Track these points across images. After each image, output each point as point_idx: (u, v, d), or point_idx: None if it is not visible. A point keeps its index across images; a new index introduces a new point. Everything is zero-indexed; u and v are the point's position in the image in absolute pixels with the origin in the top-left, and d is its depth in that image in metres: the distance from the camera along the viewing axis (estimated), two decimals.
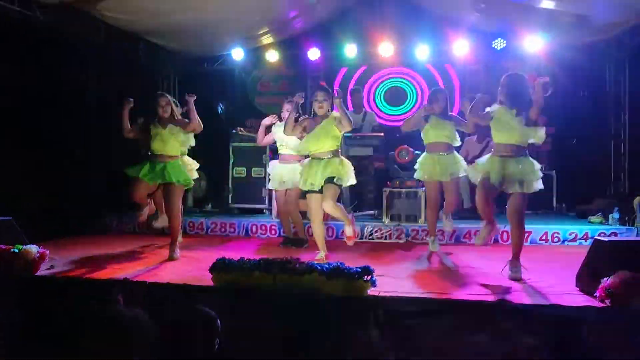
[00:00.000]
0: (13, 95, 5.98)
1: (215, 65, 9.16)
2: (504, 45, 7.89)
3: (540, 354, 3.22)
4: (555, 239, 6.22)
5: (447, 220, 5.66)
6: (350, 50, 8.33)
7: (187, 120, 5.24)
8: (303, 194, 5.95)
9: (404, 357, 3.38)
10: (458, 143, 5.52)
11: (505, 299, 3.65)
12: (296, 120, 5.00)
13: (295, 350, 3.43)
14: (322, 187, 4.83)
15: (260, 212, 7.52)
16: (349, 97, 8.31)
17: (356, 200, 7.28)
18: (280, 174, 5.95)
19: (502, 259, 4.54)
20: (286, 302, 3.60)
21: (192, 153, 6.49)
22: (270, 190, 7.17)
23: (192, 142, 5.41)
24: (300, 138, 5.17)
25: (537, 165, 4.42)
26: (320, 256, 4.90)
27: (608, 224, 6.42)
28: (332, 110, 4.91)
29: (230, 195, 7.62)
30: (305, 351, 3.42)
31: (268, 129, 6.23)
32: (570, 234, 6.22)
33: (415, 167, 5.65)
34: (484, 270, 4.64)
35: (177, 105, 5.80)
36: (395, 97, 9.21)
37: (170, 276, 4.39)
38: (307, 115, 5.09)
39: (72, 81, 6.88)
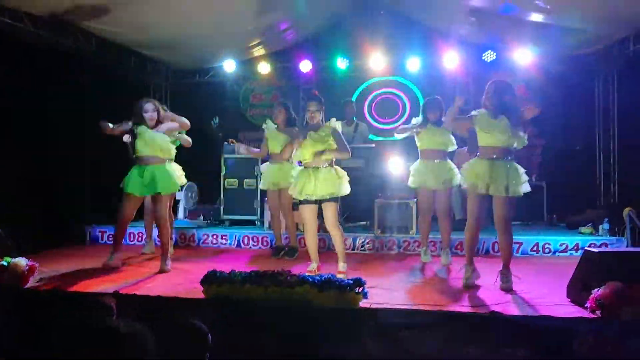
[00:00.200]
0: (2, 106, 5.95)
1: (207, 77, 9.17)
2: (494, 57, 7.96)
3: None
4: (546, 250, 6.25)
5: (445, 255, 5.67)
6: (341, 62, 8.37)
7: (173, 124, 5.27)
8: (295, 205, 5.98)
9: None
10: (454, 147, 5.54)
11: (497, 311, 3.65)
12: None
13: None
14: (317, 199, 4.82)
15: (252, 223, 7.49)
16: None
17: (348, 211, 7.28)
18: (272, 175, 5.94)
19: (494, 271, 4.55)
20: (278, 315, 3.59)
21: (184, 164, 6.49)
22: (262, 202, 7.18)
23: (173, 151, 5.38)
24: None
25: (522, 170, 4.47)
26: (312, 267, 4.89)
27: (598, 235, 6.46)
28: (325, 120, 4.92)
29: (222, 207, 7.60)
30: None
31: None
32: (561, 245, 6.25)
33: (410, 174, 5.68)
34: (477, 282, 4.64)
35: (165, 111, 5.79)
36: (387, 108, 9.24)
37: (161, 289, 4.36)
38: (301, 127, 5.07)
39: (63, 93, 6.85)
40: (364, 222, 7.22)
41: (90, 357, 1.74)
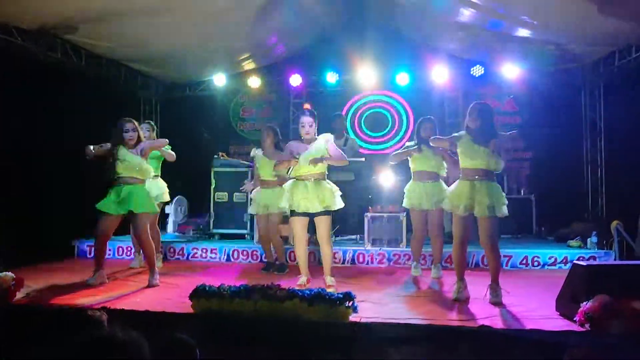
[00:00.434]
0: None
1: (197, 90, 9.18)
2: (482, 72, 8.05)
3: None
4: (536, 263, 6.27)
5: (436, 269, 5.70)
6: (331, 76, 8.42)
7: (150, 142, 5.26)
8: (284, 219, 5.97)
9: None
10: (445, 173, 5.58)
11: (486, 324, 3.65)
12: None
13: None
14: (308, 212, 4.82)
15: (241, 237, 7.46)
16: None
17: (338, 224, 7.27)
18: (263, 199, 5.94)
19: (484, 284, 4.56)
20: (267, 329, 3.56)
21: (173, 177, 6.48)
22: (252, 215, 7.15)
23: (152, 172, 5.37)
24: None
25: (503, 193, 4.52)
26: (302, 281, 4.88)
27: (587, 248, 6.50)
28: (318, 134, 4.94)
29: (212, 221, 7.57)
30: None
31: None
32: (550, 258, 6.28)
33: (404, 195, 5.72)
34: (466, 296, 4.63)
35: (153, 130, 5.78)
36: (377, 122, 9.29)
37: (149, 303, 4.31)
38: (295, 141, 5.06)
39: (51, 106, 6.82)
40: (355, 236, 7.22)
41: None
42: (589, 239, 6.56)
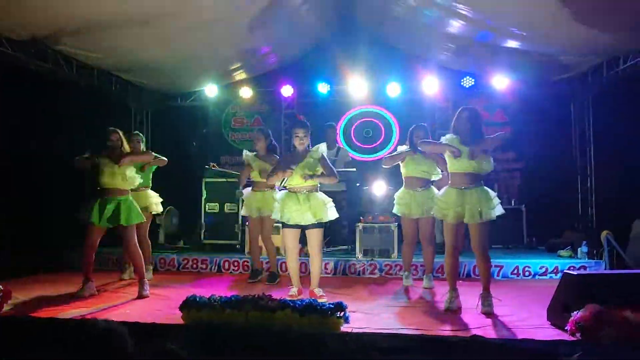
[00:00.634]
0: None
1: (189, 101, 9.18)
2: (472, 83, 8.11)
3: None
4: (527, 273, 6.29)
5: (427, 279, 5.70)
6: (323, 87, 8.45)
7: (134, 154, 5.23)
8: (275, 229, 5.98)
9: None
10: (438, 176, 5.59)
11: (478, 334, 3.65)
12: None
13: None
14: (299, 224, 4.81)
15: (232, 247, 7.43)
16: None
17: (329, 235, 7.27)
18: (255, 202, 5.93)
19: (475, 294, 4.57)
20: (258, 340, 3.54)
21: (165, 188, 6.45)
22: (243, 226, 7.13)
23: (137, 182, 5.34)
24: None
25: (493, 193, 4.52)
26: (293, 292, 4.87)
27: (577, 258, 6.53)
28: (311, 145, 4.94)
29: (203, 231, 7.53)
30: None
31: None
32: (540, 268, 6.30)
33: (394, 202, 5.74)
34: (458, 306, 4.62)
35: (142, 141, 5.76)
36: (368, 133, 9.31)
37: (139, 314, 4.29)
38: (288, 153, 5.06)
39: (43, 116, 6.80)
40: (346, 246, 7.22)
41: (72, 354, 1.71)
42: (579, 249, 6.59)
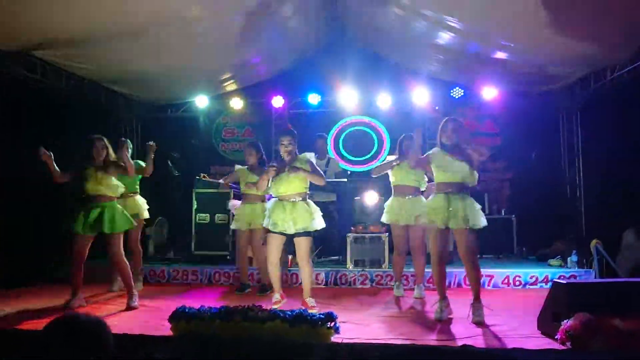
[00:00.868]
0: None
1: (179, 111, 9.16)
2: (462, 93, 8.16)
3: None
4: (517, 283, 6.30)
5: (418, 289, 5.71)
6: (313, 97, 8.48)
7: (122, 164, 5.19)
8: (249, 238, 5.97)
9: None
10: (424, 187, 5.62)
11: (468, 344, 3.64)
12: (251, 170, 5.00)
13: None
14: (285, 232, 4.80)
15: (223, 258, 7.39)
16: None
17: (320, 245, 7.26)
18: (246, 215, 5.92)
19: (466, 303, 4.57)
20: (248, 351, 3.51)
21: (155, 199, 6.42)
22: (233, 238, 7.10)
23: (121, 188, 5.32)
24: None
25: (478, 205, 4.55)
26: (276, 298, 4.84)
27: (567, 267, 6.56)
28: (298, 153, 4.94)
29: (193, 242, 7.48)
30: None
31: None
32: (531, 277, 6.31)
33: (384, 211, 5.75)
34: (448, 315, 4.63)
35: (129, 147, 5.72)
36: (358, 144, 9.34)
37: (128, 326, 4.25)
38: (274, 163, 5.06)
39: (32, 127, 6.76)
40: (337, 257, 7.20)
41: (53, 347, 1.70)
42: (569, 258, 6.62)
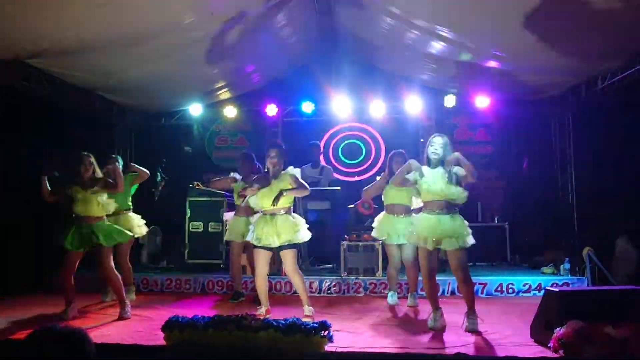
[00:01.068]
0: None
1: (173, 120, 9.15)
2: (455, 102, 8.21)
3: None
4: (510, 290, 6.32)
5: (412, 298, 5.73)
6: (307, 106, 8.50)
7: (110, 180, 5.21)
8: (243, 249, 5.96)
9: None
10: (416, 206, 5.61)
11: (462, 352, 3.65)
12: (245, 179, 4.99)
13: None
14: (270, 246, 4.79)
15: (217, 267, 7.37)
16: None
17: (314, 253, 7.26)
18: (239, 227, 5.92)
19: (460, 312, 4.58)
20: None
21: (148, 207, 6.40)
22: (227, 246, 7.08)
23: (113, 207, 5.32)
24: None
25: (466, 223, 4.56)
26: (261, 311, 4.83)
27: (560, 275, 6.58)
28: (284, 166, 4.93)
29: (187, 251, 7.46)
30: None
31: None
32: (524, 285, 6.34)
33: (373, 225, 5.77)
34: (442, 324, 4.63)
35: (119, 162, 5.71)
36: (352, 152, 9.37)
37: (121, 336, 4.23)
38: (261, 174, 5.06)
39: (25, 135, 6.74)
40: (331, 265, 7.20)
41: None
42: (562, 266, 6.65)
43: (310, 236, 4.90)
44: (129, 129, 9.06)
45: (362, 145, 9.36)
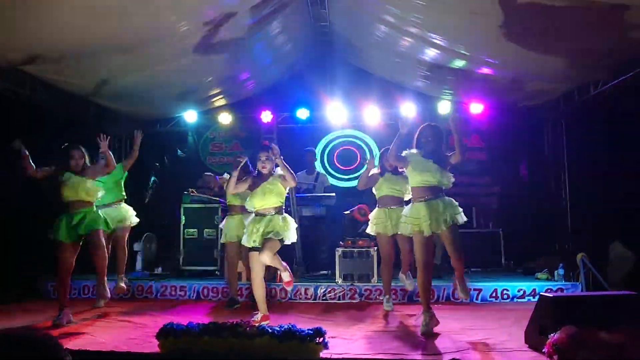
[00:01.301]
0: None
1: (168, 126, 9.16)
2: (449, 109, 8.25)
3: None
4: (505, 296, 6.33)
5: (407, 280, 5.74)
6: (302, 112, 8.52)
7: (99, 164, 5.29)
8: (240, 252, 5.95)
9: None
10: (408, 197, 5.64)
11: (456, 358, 3.65)
12: (239, 179, 5.00)
13: None
14: (259, 244, 4.77)
15: (212, 274, 7.35)
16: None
17: (309, 260, 7.25)
18: (234, 227, 5.92)
19: (454, 318, 4.60)
20: None
21: (143, 214, 6.40)
22: (222, 252, 7.07)
23: (101, 192, 5.35)
24: None
25: (455, 202, 4.69)
26: (257, 317, 4.81)
27: (554, 280, 6.60)
28: (275, 169, 4.97)
29: (182, 257, 7.44)
30: None
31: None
32: (519, 291, 6.34)
33: (370, 223, 5.79)
34: (437, 329, 4.64)
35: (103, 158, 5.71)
36: (347, 159, 9.39)
37: (115, 343, 4.20)
38: (252, 174, 5.09)
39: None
40: (326, 271, 7.20)
41: None
42: (556, 271, 6.67)
43: (295, 239, 4.91)
44: (124, 135, 9.05)
45: (357, 151, 9.38)
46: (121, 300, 6.40)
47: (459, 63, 6.66)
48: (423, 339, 4.40)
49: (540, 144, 8.49)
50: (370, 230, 5.77)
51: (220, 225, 6.30)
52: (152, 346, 3.89)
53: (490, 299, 6.31)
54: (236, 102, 9.04)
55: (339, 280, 6.55)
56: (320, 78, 8.69)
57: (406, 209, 4.81)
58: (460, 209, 4.63)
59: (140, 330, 4.74)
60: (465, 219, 4.64)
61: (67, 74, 6.31)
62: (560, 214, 8.10)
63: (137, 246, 7.81)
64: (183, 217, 7.49)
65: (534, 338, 3.95)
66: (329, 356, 3.68)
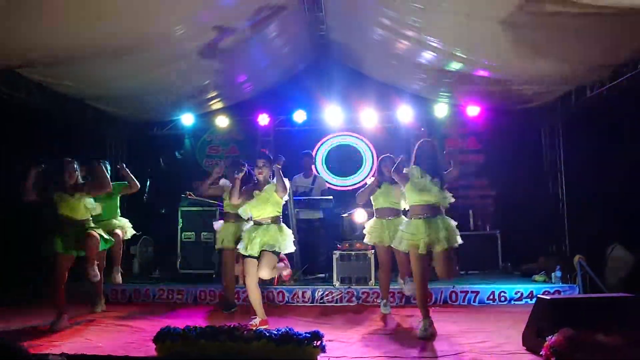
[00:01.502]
0: None
1: (165, 129, 9.15)
2: (446, 111, 8.26)
3: None
4: (502, 298, 6.33)
5: (406, 285, 5.72)
6: (299, 115, 8.52)
7: (92, 182, 5.25)
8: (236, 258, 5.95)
9: None
10: (405, 207, 5.65)
11: None
12: (241, 188, 5.01)
13: None
14: (255, 254, 4.80)
15: (209, 277, 7.33)
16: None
17: (307, 263, 7.24)
18: (229, 233, 5.92)
19: (452, 322, 4.60)
20: None
21: (140, 218, 6.39)
22: (219, 256, 7.06)
23: (99, 210, 5.36)
24: None
25: (454, 222, 4.71)
26: (255, 322, 4.80)
27: (551, 283, 6.61)
28: (272, 176, 4.98)
29: (179, 261, 7.42)
30: None
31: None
32: (516, 293, 6.35)
33: (365, 232, 5.78)
34: (433, 333, 4.64)
35: (107, 169, 5.70)
36: (344, 162, 9.38)
37: (112, 348, 4.20)
38: (255, 182, 5.09)
39: (16, 145, 6.72)
40: (323, 274, 7.19)
41: None
42: (553, 274, 6.67)
43: (293, 249, 4.93)
44: (121, 138, 9.04)
45: (355, 154, 9.37)
46: (118, 304, 6.39)
47: (455, 66, 6.66)
48: (420, 342, 4.40)
49: (537, 146, 8.49)
50: (367, 240, 5.78)
51: (215, 227, 6.28)
52: (149, 350, 3.88)
53: (488, 302, 6.31)
54: (233, 105, 9.03)
55: (337, 283, 6.54)
56: (317, 81, 8.69)
57: (404, 223, 4.83)
58: (458, 232, 4.66)
59: (137, 334, 4.74)
60: (460, 241, 4.67)
61: (64, 78, 6.29)
62: (558, 216, 8.10)
63: (133, 249, 7.80)
64: (180, 221, 7.47)
65: (532, 340, 3.95)
66: (326, 359, 3.67)
